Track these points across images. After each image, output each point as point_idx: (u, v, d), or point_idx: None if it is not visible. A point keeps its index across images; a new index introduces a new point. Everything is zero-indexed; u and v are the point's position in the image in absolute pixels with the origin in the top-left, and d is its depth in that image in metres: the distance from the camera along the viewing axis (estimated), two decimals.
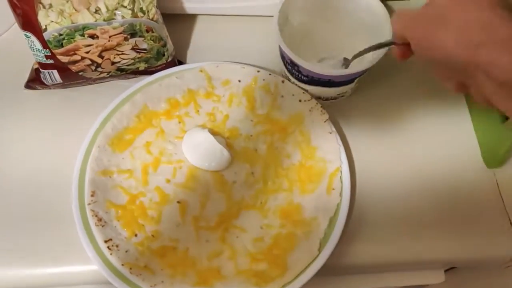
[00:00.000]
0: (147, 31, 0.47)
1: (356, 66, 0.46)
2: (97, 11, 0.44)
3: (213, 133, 0.49)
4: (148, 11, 0.46)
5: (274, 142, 0.50)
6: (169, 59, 0.52)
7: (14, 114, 0.51)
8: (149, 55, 0.50)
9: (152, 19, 0.47)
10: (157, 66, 0.52)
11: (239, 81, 0.52)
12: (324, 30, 0.53)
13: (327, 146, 0.49)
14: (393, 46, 0.39)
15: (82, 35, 0.45)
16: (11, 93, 0.52)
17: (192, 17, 0.58)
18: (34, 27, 0.44)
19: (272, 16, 0.48)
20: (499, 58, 0.29)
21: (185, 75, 0.52)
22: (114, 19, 0.45)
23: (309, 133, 0.50)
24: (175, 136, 0.50)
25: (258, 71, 0.52)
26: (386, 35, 0.46)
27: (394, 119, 0.53)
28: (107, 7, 0.44)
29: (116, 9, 0.44)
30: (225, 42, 0.57)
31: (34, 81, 0.51)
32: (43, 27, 0.44)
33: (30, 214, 0.46)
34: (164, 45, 0.50)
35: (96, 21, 0.45)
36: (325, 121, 0.49)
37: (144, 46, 0.48)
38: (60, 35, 0.45)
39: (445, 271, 0.53)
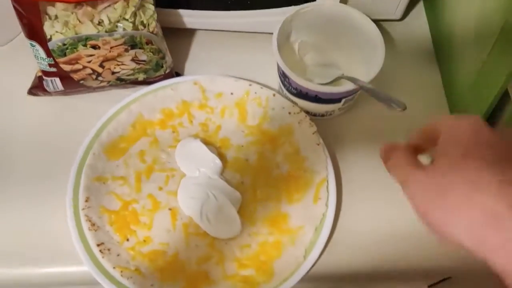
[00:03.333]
0: (147, 44, 0.49)
1: (340, 87, 0.48)
2: (100, 23, 0.47)
3: (206, 142, 0.51)
4: (148, 24, 0.48)
5: (264, 153, 0.51)
6: (167, 71, 0.54)
7: (16, 119, 0.54)
8: (148, 67, 0.52)
9: (152, 32, 0.49)
10: (155, 77, 0.54)
11: (232, 93, 0.54)
12: (327, 48, 0.55)
13: (314, 157, 0.50)
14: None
15: (85, 45, 0.47)
16: (14, 98, 0.55)
17: (191, 31, 0.61)
18: (39, 37, 0.47)
19: (271, 33, 0.50)
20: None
21: (180, 87, 0.54)
22: (116, 31, 0.47)
23: (298, 144, 0.51)
24: (169, 145, 0.52)
25: (250, 85, 0.54)
26: (378, 55, 0.49)
27: (381, 137, 0.54)
28: (109, 20, 0.46)
29: (118, 21, 0.47)
30: (222, 56, 0.59)
31: (37, 88, 0.53)
32: (48, 37, 0.47)
33: (26, 216, 0.48)
34: (163, 57, 0.52)
35: (98, 32, 0.47)
36: (313, 133, 0.51)
37: (144, 57, 0.50)
38: (64, 44, 0.47)
39: (439, 282, 0.54)
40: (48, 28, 0.46)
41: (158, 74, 0.53)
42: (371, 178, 0.52)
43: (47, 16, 0.46)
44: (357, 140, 0.54)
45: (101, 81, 0.52)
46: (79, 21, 0.46)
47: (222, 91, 0.54)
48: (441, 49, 0.60)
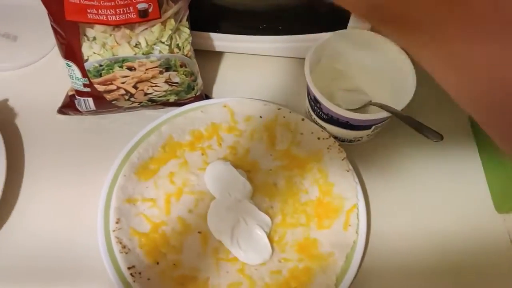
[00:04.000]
0: (181, 66, 0.50)
1: (373, 114, 0.48)
2: (137, 45, 0.47)
3: (235, 166, 0.51)
4: (183, 48, 0.49)
5: (292, 177, 0.52)
6: (198, 93, 0.54)
7: (45, 138, 0.54)
8: (180, 89, 0.52)
9: (186, 55, 0.49)
10: (186, 99, 0.54)
11: (261, 117, 0.54)
12: (355, 74, 0.56)
13: (344, 183, 0.50)
14: None
15: (121, 66, 0.48)
16: (44, 117, 0.55)
17: (220, 53, 0.61)
18: (76, 57, 0.47)
19: (300, 58, 0.51)
20: None
21: (209, 109, 0.54)
22: (152, 53, 0.48)
23: (327, 170, 0.51)
24: (198, 167, 0.51)
25: (279, 109, 0.54)
26: (409, 84, 0.49)
27: (409, 163, 0.55)
28: (147, 42, 0.47)
29: (155, 44, 0.47)
30: (250, 79, 0.60)
31: (68, 107, 0.54)
32: (85, 57, 0.47)
33: (55, 237, 0.47)
34: (195, 80, 0.53)
35: (135, 54, 0.47)
36: (342, 159, 0.51)
37: (177, 80, 0.51)
38: (100, 66, 0.47)
39: None
40: (86, 49, 0.47)
41: (189, 96, 0.54)
42: (400, 202, 0.52)
43: (85, 37, 0.46)
44: (385, 164, 0.55)
45: (133, 102, 0.52)
46: (117, 43, 0.47)
47: (251, 115, 0.55)
48: None
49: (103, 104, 0.52)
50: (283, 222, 0.49)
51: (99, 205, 0.47)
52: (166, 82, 0.51)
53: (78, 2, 0.43)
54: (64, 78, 0.50)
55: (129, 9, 0.44)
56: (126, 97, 0.51)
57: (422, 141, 0.56)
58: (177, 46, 0.49)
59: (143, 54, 0.47)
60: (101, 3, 0.43)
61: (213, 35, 0.56)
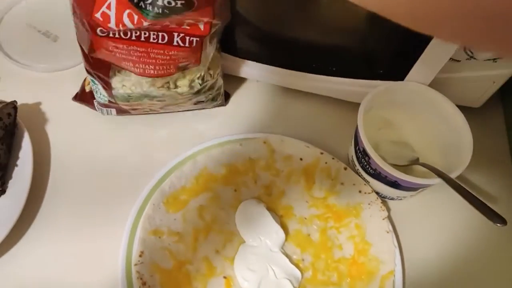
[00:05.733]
0: (209, 89, 0.48)
1: (427, 179, 0.45)
2: (169, 83, 0.44)
3: (268, 208, 0.48)
4: (214, 73, 0.46)
5: (327, 230, 0.49)
6: (220, 102, 0.53)
7: (75, 149, 0.51)
8: (205, 103, 0.51)
9: (215, 78, 0.47)
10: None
11: (301, 159, 0.52)
12: (403, 128, 0.53)
13: (382, 245, 0.47)
14: None
15: (151, 99, 0.45)
16: (76, 127, 0.53)
17: (265, 85, 0.58)
18: (104, 83, 0.43)
19: (348, 101, 0.48)
20: None
21: (248, 143, 0.51)
22: (187, 91, 0.45)
23: (365, 227, 0.48)
24: (230, 204, 0.49)
25: (322, 153, 0.51)
26: (464, 154, 0.46)
27: (453, 229, 0.52)
28: (178, 85, 0.44)
29: (190, 84, 0.45)
30: (294, 116, 0.57)
31: (83, 100, 0.51)
32: (114, 87, 0.44)
33: (74, 262, 0.45)
34: (219, 92, 0.51)
35: (169, 92, 0.44)
36: (383, 219, 0.48)
37: (203, 98, 0.49)
38: (129, 96, 0.44)
39: None
40: (117, 82, 0.43)
41: (212, 105, 0.52)
42: (439, 273, 0.48)
43: (116, 71, 0.43)
44: (426, 227, 0.51)
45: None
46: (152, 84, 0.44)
47: (291, 155, 0.52)
48: None
49: (125, 113, 0.50)
50: (314, 278, 0.46)
51: (123, 234, 0.45)
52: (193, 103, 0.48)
53: (111, 54, 0.39)
54: None
55: (169, 66, 0.41)
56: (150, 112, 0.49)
57: (464, 205, 0.53)
58: (210, 75, 0.46)
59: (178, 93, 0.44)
60: (140, 59, 0.39)
61: (263, 66, 0.53)
